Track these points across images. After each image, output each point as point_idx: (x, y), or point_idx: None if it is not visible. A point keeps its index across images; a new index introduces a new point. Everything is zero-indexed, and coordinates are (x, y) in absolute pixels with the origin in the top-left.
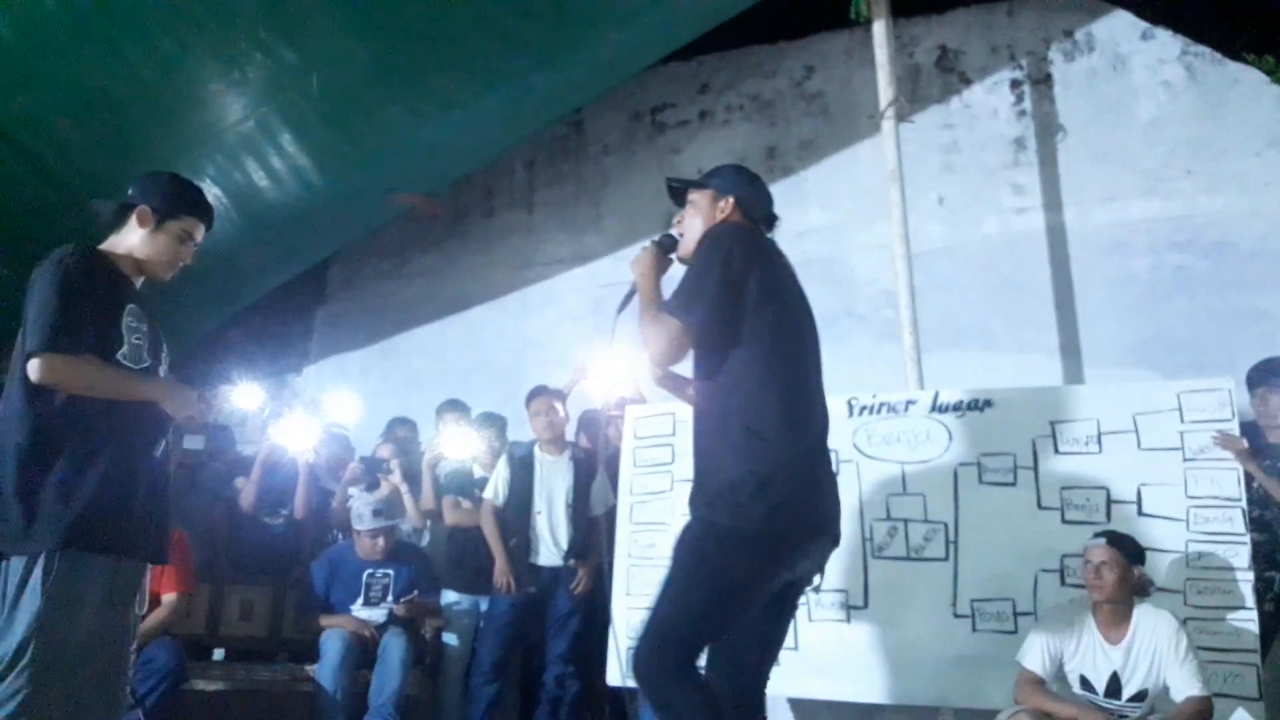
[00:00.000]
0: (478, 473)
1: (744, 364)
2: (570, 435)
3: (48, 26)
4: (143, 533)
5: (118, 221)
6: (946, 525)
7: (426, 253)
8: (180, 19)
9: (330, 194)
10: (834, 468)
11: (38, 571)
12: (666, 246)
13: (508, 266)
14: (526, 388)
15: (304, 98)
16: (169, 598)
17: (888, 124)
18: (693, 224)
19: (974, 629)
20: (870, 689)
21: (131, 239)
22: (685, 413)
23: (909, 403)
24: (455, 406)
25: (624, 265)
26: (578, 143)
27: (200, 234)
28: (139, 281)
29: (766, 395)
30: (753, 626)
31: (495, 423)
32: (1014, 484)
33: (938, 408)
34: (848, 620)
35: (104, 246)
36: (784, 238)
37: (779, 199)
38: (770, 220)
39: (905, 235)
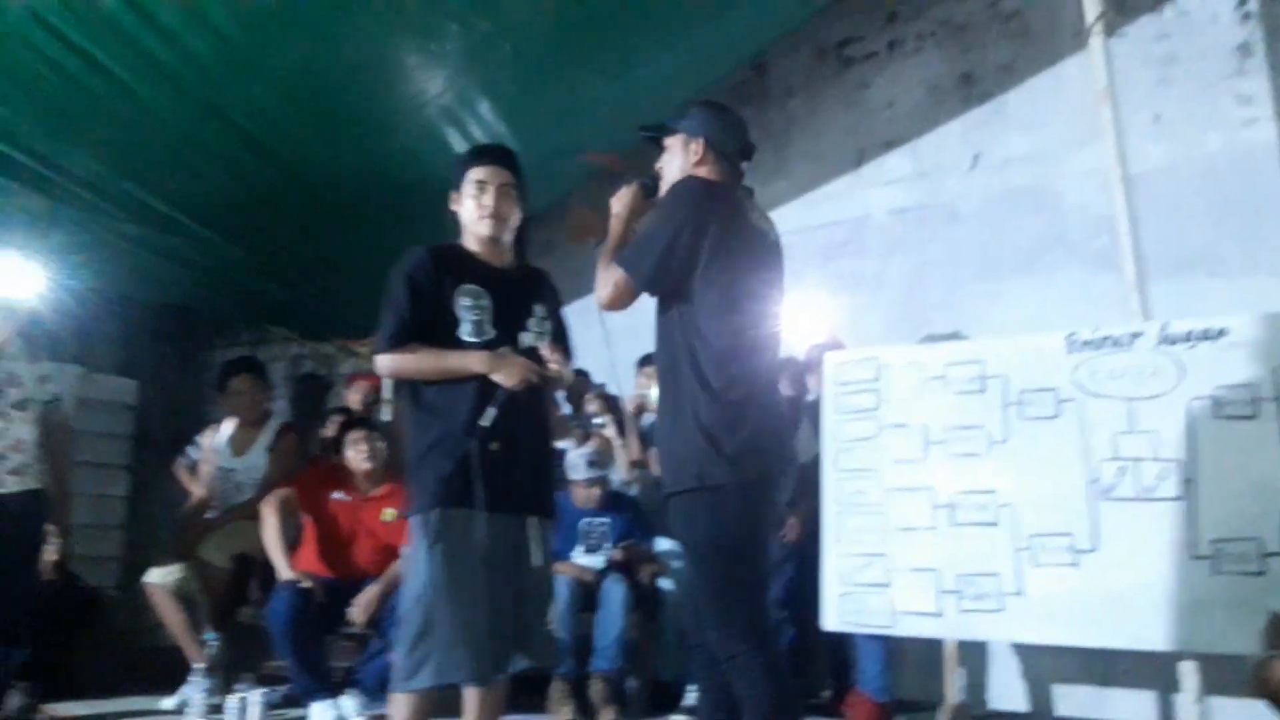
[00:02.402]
0: None
1: (693, 319)
2: None
3: (264, 16)
4: (496, 486)
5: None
6: (1181, 463)
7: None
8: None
9: (526, 158)
10: (1054, 408)
11: (421, 531)
12: (650, 190)
13: None
14: None
15: (499, 65)
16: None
17: (1095, 40)
18: (669, 169)
19: (1216, 571)
20: (1101, 635)
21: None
22: (888, 357)
23: (1134, 335)
24: (654, 359)
25: (814, 209)
26: (760, 86)
27: (488, 174)
28: (504, 250)
29: (712, 350)
30: None
31: None
32: (1254, 417)
33: (1166, 339)
34: (1075, 564)
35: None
36: (985, 167)
37: (978, 127)
38: (746, 152)
39: (1120, 157)
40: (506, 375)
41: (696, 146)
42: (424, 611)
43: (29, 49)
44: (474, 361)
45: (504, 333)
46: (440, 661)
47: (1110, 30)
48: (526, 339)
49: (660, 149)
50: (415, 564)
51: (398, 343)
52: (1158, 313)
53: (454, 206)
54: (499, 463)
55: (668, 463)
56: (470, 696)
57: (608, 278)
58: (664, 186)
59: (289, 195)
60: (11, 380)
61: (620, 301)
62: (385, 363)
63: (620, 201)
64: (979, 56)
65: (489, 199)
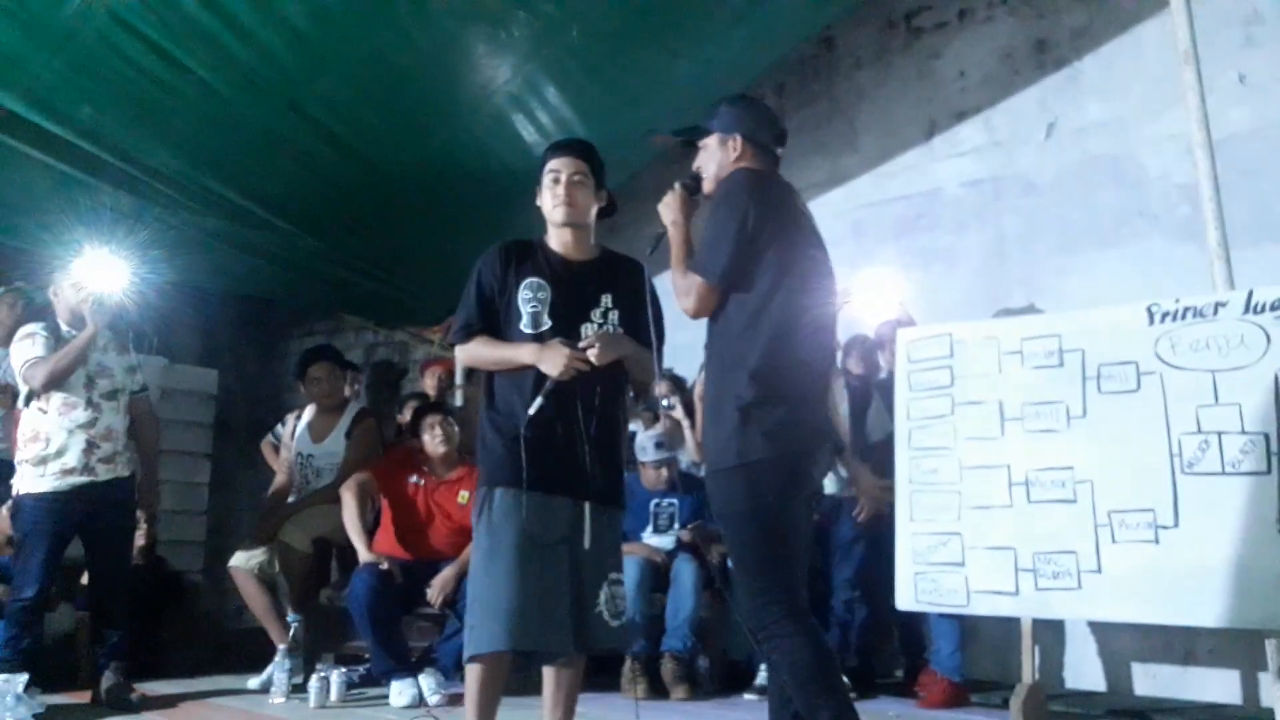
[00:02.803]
0: None
1: (743, 305)
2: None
3: (338, 13)
4: (549, 470)
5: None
6: (1268, 436)
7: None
8: None
9: (593, 141)
10: (1135, 382)
11: (474, 510)
12: (693, 189)
13: None
14: None
15: (566, 50)
16: None
17: (1177, 0)
18: (708, 167)
19: None
20: (1183, 612)
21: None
22: (962, 333)
23: (1218, 305)
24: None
25: (885, 183)
26: (829, 60)
27: (561, 164)
28: (584, 240)
29: (757, 332)
30: None
31: None
32: None
33: (1253, 308)
34: (1156, 541)
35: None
36: (1061, 136)
37: (1053, 94)
38: (781, 139)
39: (1204, 121)
40: (550, 364)
41: (734, 143)
42: (471, 585)
43: (113, 51)
44: (523, 353)
45: (562, 324)
46: (479, 632)
47: None
48: (589, 329)
49: (695, 150)
50: (475, 542)
51: (465, 336)
52: (1242, 283)
53: (538, 201)
54: (554, 447)
55: (710, 443)
56: (547, 675)
57: (688, 286)
58: (706, 186)
59: (363, 186)
60: (102, 371)
61: (706, 307)
62: (458, 353)
63: (670, 208)
64: (1053, 22)
65: (562, 189)
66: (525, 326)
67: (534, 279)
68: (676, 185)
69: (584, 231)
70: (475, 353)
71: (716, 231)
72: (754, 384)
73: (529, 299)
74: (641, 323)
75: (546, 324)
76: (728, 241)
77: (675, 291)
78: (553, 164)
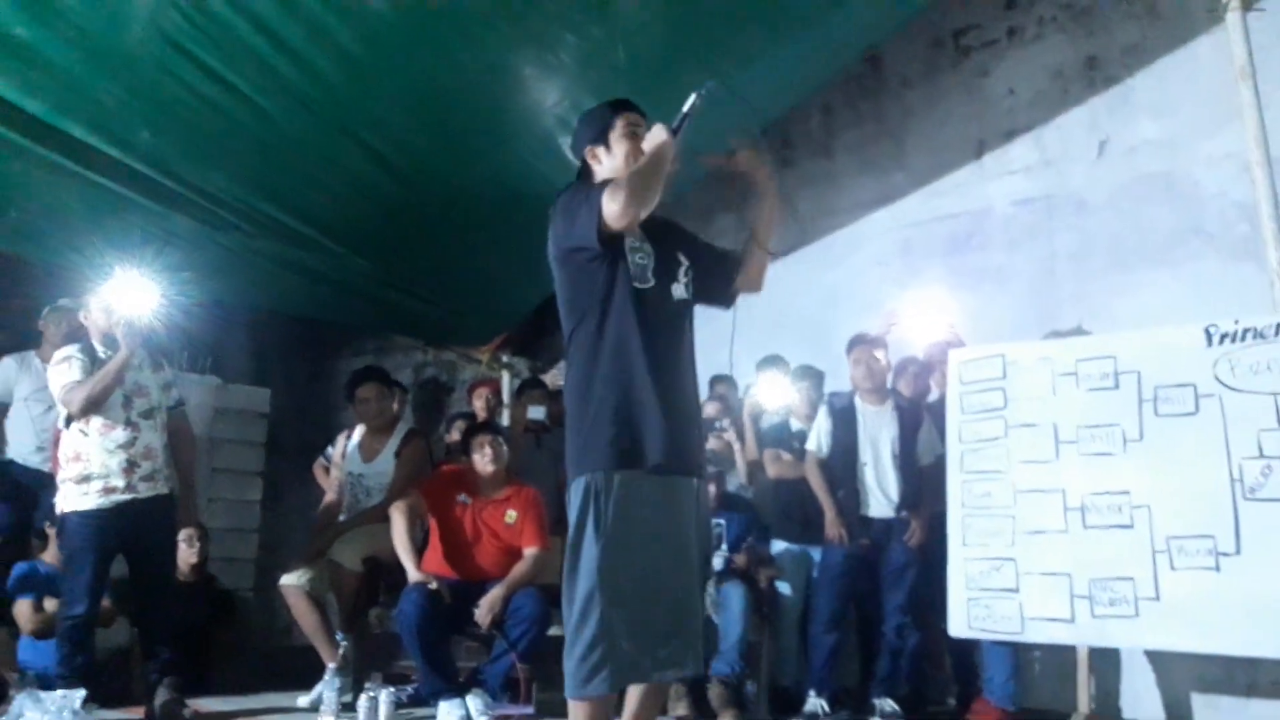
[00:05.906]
0: (795, 425)
1: None
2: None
3: (388, 36)
4: (669, 443)
5: (588, 178)
6: None
7: (729, 211)
8: (499, 13)
9: None
10: (1193, 404)
11: (586, 504)
12: None
13: (809, 216)
14: (836, 338)
15: (612, 71)
16: (530, 551)
17: (1233, 15)
18: None
19: None
20: (1245, 642)
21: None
22: (1016, 354)
23: (1278, 326)
24: (774, 362)
25: (934, 201)
26: (876, 80)
27: (637, 118)
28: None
29: None
30: None
31: (812, 375)
32: None
33: None
34: (1216, 568)
35: None
36: (1113, 154)
37: (1104, 112)
38: None
39: (1262, 139)
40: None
41: None
42: (599, 612)
43: (169, 75)
44: (656, 138)
45: (661, 283)
46: (615, 667)
47: (1248, 4)
48: (678, 290)
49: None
50: (583, 546)
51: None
52: None
53: (594, 160)
54: (669, 415)
55: None
56: (631, 693)
57: None
58: None
59: (412, 208)
60: (138, 390)
61: None
62: (614, 204)
63: None
64: (1104, 39)
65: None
66: (636, 280)
67: (634, 233)
68: None
69: None
70: (636, 175)
71: None
72: None
73: (636, 249)
74: (709, 268)
75: (650, 281)
76: None
77: None
78: (634, 117)
